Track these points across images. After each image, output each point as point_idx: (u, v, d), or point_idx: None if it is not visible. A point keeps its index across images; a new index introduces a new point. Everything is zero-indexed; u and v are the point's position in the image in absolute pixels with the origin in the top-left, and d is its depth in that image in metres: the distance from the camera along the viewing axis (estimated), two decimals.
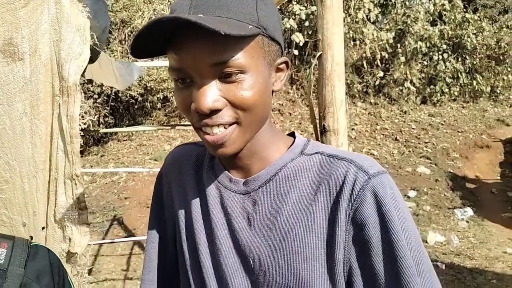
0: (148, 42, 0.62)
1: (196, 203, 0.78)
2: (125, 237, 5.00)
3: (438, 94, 9.23)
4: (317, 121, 1.14)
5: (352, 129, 7.96)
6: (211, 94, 0.62)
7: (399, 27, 9.08)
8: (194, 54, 0.60)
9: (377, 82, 9.11)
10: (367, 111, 8.97)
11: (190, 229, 0.79)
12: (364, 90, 9.25)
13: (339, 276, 0.65)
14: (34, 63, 1.03)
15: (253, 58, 0.63)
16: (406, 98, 9.15)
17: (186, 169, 0.84)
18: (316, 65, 1.26)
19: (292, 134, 0.78)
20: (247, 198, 0.72)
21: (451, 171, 7.48)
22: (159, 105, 8.82)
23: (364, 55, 8.95)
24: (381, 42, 8.60)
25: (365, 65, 9.03)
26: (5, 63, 0.97)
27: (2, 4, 1.03)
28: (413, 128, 8.53)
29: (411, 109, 9.05)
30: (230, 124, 0.65)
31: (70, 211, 1.08)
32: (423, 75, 9.30)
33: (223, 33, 0.55)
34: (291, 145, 0.74)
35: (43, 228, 0.96)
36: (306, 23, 8.04)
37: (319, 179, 0.68)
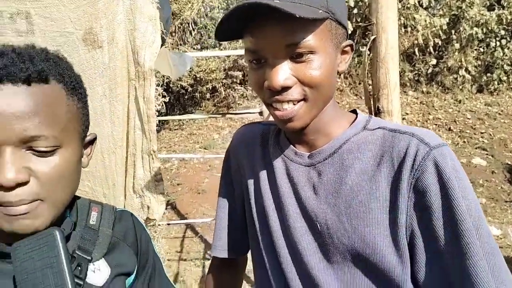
0: (229, 26, 0.70)
1: (263, 175, 0.86)
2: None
3: (496, 82, 8.77)
4: (371, 103, 1.18)
5: (403, 118, 7.79)
6: (283, 72, 0.69)
7: (453, 12, 8.69)
8: (269, 36, 0.68)
9: (429, 70, 8.80)
10: (419, 100, 8.71)
11: (259, 199, 0.87)
12: (416, 78, 8.98)
13: (401, 238, 0.70)
14: (111, 50, 1.16)
15: (321, 40, 0.69)
16: (460, 87, 8.77)
17: (252, 146, 0.92)
18: (369, 50, 1.30)
19: (353, 112, 0.84)
20: (312, 170, 0.79)
21: (509, 162, 7.13)
22: (208, 95, 9.06)
23: (416, 42, 8.67)
24: (434, 29, 8.29)
25: (417, 53, 8.75)
26: (86, 50, 1.10)
27: None
28: (468, 118, 8.19)
29: (466, 98, 8.67)
30: (299, 101, 0.72)
31: (148, 183, 1.22)
32: (479, 62, 8.86)
33: (298, 16, 0.61)
34: (353, 122, 0.80)
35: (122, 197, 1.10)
36: (355, 11, 7.90)
37: (382, 151, 0.74)
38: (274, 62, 0.70)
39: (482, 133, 7.81)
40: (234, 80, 8.77)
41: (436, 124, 8.03)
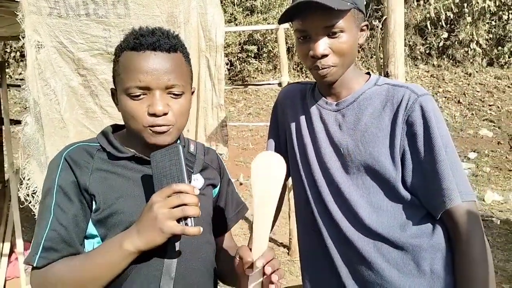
0: (287, 14, 1.08)
1: (303, 119, 1.25)
2: None
3: (506, 56, 8.79)
4: (382, 68, 1.56)
5: None
6: (322, 45, 1.06)
7: None
8: (314, 21, 1.05)
9: (441, 44, 8.89)
10: (429, 73, 8.87)
11: (299, 135, 1.25)
12: (427, 51, 9.09)
13: (396, 155, 1.08)
14: (187, 29, 1.54)
15: (348, 23, 1.07)
16: (471, 60, 8.85)
17: (294, 99, 1.30)
18: (381, 27, 1.65)
19: (368, 73, 1.22)
20: (338, 113, 1.17)
21: None
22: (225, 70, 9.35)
23: (428, 15, 8.76)
24: (446, 2, 8.36)
25: (428, 26, 8.83)
26: (171, 30, 1.47)
27: None
28: (477, 91, 8.36)
29: (476, 71, 8.79)
30: (333, 66, 1.09)
31: (216, 128, 1.63)
32: (490, 36, 8.90)
33: (336, 8, 0.99)
34: (368, 80, 1.18)
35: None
36: None
37: (386, 99, 1.11)
38: (316, 38, 1.05)
39: (490, 105, 7.99)
40: (249, 54, 8.97)
41: (445, 97, 8.23)
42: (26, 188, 1.56)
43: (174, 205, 0.85)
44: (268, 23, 8.10)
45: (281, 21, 1.12)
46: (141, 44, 0.94)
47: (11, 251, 3.69)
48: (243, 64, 9.01)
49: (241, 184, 5.28)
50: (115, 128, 1.10)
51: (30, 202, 1.59)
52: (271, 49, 8.99)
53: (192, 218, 0.86)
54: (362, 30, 1.13)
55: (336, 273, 1.16)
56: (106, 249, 0.90)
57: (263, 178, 0.96)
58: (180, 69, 0.99)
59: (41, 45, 1.58)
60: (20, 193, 1.57)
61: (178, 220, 0.85)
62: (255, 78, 9.06)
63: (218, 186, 1.18)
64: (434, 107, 1.07)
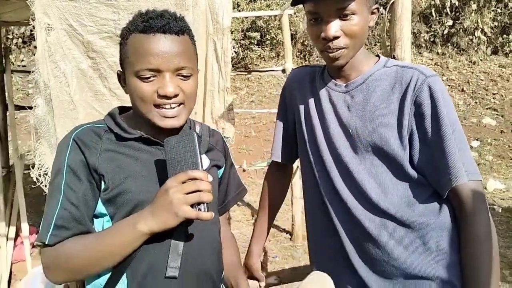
0: None
1: (311, 101, 1.26)
2: None
3: (511, 44, 8.78)
4: (389, 51, 1.57)
5: None
6: (334, 27, 1.07)
7: None
8: (327, 3, 1.06)
9: (445, 31, 8.83)
10: (433, 61, 8.84)
11: (308, 117, 1.27)
12: (431, 39, 9.05)
13: (404, 135, 1.10)
14: (195, 12, 1.55)
15: (360, 5, 1.07)
16: (476, 48, 8.80)
17: (303, 82, 1.32)
18: (388, 11, 1.66)
19: (377, 56, 1.23)
20: (347, 95, 1.18)
21: None
22: None
23: (432, 2, 8.69)
24: None
25: (433, 14, 8.77)
26: (177, 12, 1.48)
27: None
28: (481, 79, 8.34)
29: (481, 60, 8.74)
30: (343, 47, 1.10)
31: (223, 111, 1.65)
32: (495, 23, 8.84)
33: None
34: (377, 62, 1.19)
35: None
36: None
37: (395, 80, 1.13)
38: (328, 20, 1.06)
39: (494, 94, 7.98)
40: (252, 41, 8.94)
41: (449, 85, 8.20)
42: (38, 169, 1.59)
43: (189, 190, 0.89)
44: (271, 10, 8.04)
45: (294, 3, 1.13)
46: (151, 27, 0.96)
47: (17, 235, 3.75)
48: (245, 51, 8.98)
49: (244, 170, 5.32)
50: (121, 110, 1.12)
51: (42, 182, 1.62)
52: (274, 36, 8.94)
53: (205, 204, 0.90)
54: (372, 13, 1.14)
55: (343, 251, 1.19)
56: (119, 229, 0.94)
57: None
58: (188, 51, 1.01)
59: (51, 27, 1.60)
60: (32, 173, 1.61)
61: (192, 205, 0.89)
62: (258, 65, 9.03)
63: (223, 168, 1.21)
64: (442, 88, 1.08)
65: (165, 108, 0.98)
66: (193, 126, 1.17)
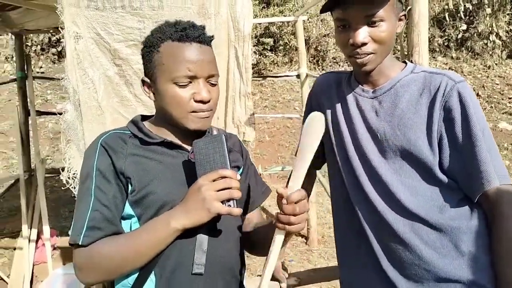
0: (329, 4, 1.13)
1: (339, 106, 1.29)
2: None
3: None
4: (406, 57, 1.60)
5: None
6: (363, 33, 1.10)
7: None
8: (355, 10, 1.09)
9: (459, 36, 8.75)
10: (448, 65, 8.78)
11: (335, 122, 1.29)
12: (445, 44, 8.99)
13: (434, 140, 1.12)
14: (217, 21, 1.61)
15: (388, 12, 1.10)
16: (490, 52, 8.70)
17: (329, 88, 1.35)
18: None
19: (403, 62, 1.25)
20: (375, 100, 1.21)
21: None
22: None
23: (446, 7, 8.65)
24: None
25: (447, 18, 8.72)
26: (199, 21, 1.52)
27: None
28: (496, 84, 8.25)
29: (496, 64, 8.65)
30: (371, 53, 1.12)
31: (244, 116, 1.70)
32: (511, 27, 8.76)
33: None
34: (404, 68, 1.21)
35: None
36: None
37: (423, 86, 1.15)
38: (357, 27, 1.09)
39: (510, 98, 7.88)
40: (265, 47, 8.99)
41: None
42: (68, 171, 1.66)
43: (221, 188, 0.94)
44: (285, 16, 8.10)
45: (323, 10, 1.16)
46: (188, 37, 1.03)
47: (38, 237, 3.84)
48: (259, 57, 9.03)
49: (260, 174, 5.36)
50: (142, 118, 1.17)
51: (71, 185, 1.69)
52: (287, 41, 8.99)
53: (234, 200, 0.95)
54: (400, 19, 1.17)
55: (372, 254, 1.20)
56: (153, 227, 0.98)
57: (307, 132, 1.13)
58: (214, 60, 1.09)
59: (80, 36, 1.67)
60: (62, 176, 1.67)
61: (222, 202, 0.95)
62: (271, 70, 9.08)
63: (242, 168, 1.25)
64: (470, 93, 1.10)
65: (201, 112, 1.05)
66: (211, 130, 1.22)
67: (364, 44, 1.11)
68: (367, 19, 1.09)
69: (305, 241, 4.53)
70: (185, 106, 1.04)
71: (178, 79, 1.02)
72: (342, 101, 1.28)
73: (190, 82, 1.03)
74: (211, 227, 1.05)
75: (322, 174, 4.76)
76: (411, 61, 1.58)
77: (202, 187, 0.94)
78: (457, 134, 1.09)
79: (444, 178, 1.12)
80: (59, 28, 1.69)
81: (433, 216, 1.11)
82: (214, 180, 0.95)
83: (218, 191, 0.94)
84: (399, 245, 1.14)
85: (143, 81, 1.11)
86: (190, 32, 1.03)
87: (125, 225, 1.04)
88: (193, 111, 1.04)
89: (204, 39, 1.04)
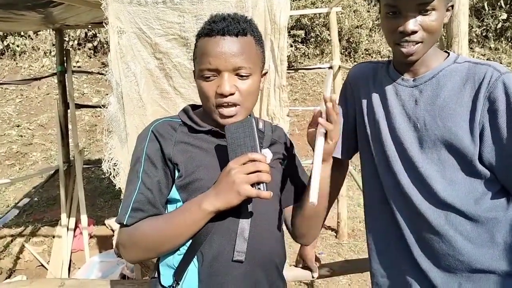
0: None
1: (376, 96, 1.29)
2: None
3: None
4: (445, 48, 1.57)
5: None
6: (414, 21, 1.10)
7: None
8: None
9: (499, 25, 8.42)
10: (486, 56, 8.47)
11: (371, 111, 1.29)
12: (484, 34, 8.69)
13: (475, 130, 1.11)
14: (255, 14, 1.64)
15: (440, 1, 1.09)
16: None
17: (367, 77, 1.34)
18: None
19: (446, 52, 1.24)
20: (415, 89, 1.20)
21: None
22: None
23: None
24: None
25: (486, 7, 8.41)
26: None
27: None
28: None
29: None
30: (418, 43, 1.12)
31: (278, 108, 1.73)
32: None
33: None
34: (447, 57, 1.20)
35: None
36: None
37: (467, 76, 1.14)
38: (408, 15, 1.08)
39: None
40: (296, 39, 8.94)
41: None
42: (109, 161, 1.74)
43: (250, 171, 0.96)
44: (317, 7, 8.02)
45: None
46: (213, 30, 1.04)
47: (76, 226, 4.01)
48: (289, 49, 8.98)
49: None
50: (193, 107, 1.21)
51: (111, 174, 1.77)
52: (319, 33, 8.90)
53: (265, 184, 0.97)
54: (447, 10, 1.16)
55: (406, 245, 1.21)
56: (186, 209, 1.02)
57: None
58: (248, 51, 1.06)
59: (123, 31, 1.74)
60: (103, 165, 1.76)
61: (252, 185, 0.97)
62: (301, 63, 9.02)
63: (286, 160, 1.27)
64: None
65: (223, 106, 1.06)
66: (257, 122, 1.22)
67: (414, 32, 1.10)
68: (419, 7, 1.08)
69: (335, 234, 4.53)
70: (210, 99, 1.06)
71: (202, 73, 1.05)
72: (380, 90, 1.28)
73: (215, 76, 1.05)
74: (254, 216, 1.07)
75: (353, 167, 4.73)
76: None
77: (232, 170, 0.97)
78: (500, 125, 1.08)
79: (483, 169, 1.12)
80: (103, 24, 1.77)
81: (469, 207, 1.11)
82: (244, 164, 0.97)
83: (247, 174, 0.96)
84: (433, 235, 1.15)
85: (194, 72, 1.15)
86: (214, 26, 1.04)
87: (171, 208, 1.09)
88: (217, 105, 1.06)
89: (229, 31, 1.03)
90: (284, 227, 1.23)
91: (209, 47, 1.03)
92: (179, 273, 1.05)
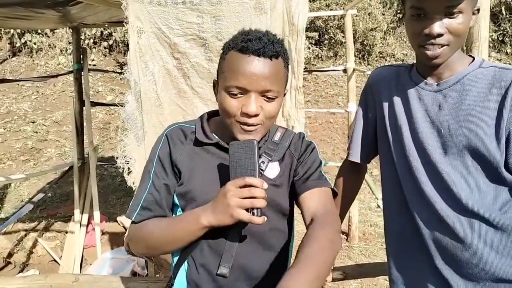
0: None
1: (398, 100, 1.27)
2: None
3: None
4: (465, 52, 1.56)
5: None
6: (440, 24, 1.08)
7: None
8: (437, 0, 1.06)
9: None
10: (502, 61, 8.38)
11: (393, 115, 1.27)
12: (500, 39, 8.57)
13: (502, 136, 1.08)
14: (273, 15, 1.64)
15: (467, 5, 1.07)
16: None
17: (389, 81, 1.32)
18: None
19: (471, 56, 1.22)
20: (439, 94, 1.18)
21: None
22: None
23: (503, 0, 8.23)
24: None
25: (503, 11, 8.31)
26: (256, 16, 1.57)
27: None
28: None
29: None
30: (443, 46, 1.10)
31: (294, 109, 1.73)
32: None
33: None
34: (472, 62, 1.18)
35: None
36: None
37: (493, 82, 1.11)
38: (434, 17, 1.06)
39: None
40: (310, 41, 8.93)
41: None
42: (123, 157, 1.77)
43: (245, 196, 0.96)
44: (331, 9, 7.99)
45: None
46: (248, 49, 1.01)
47: (88, 222, 4.05)
48: (305, 51, 8.93)
49: None
50: (214, 112, 1.21)
51: (125, 170, 1.80)
52: (333, 35, 8.88)
53: (259, 209, 0.98)
54: (473, 13, 1.14)
55: (427, 253, 1.19)
56: (186, 218, 1.06)
57: None
58: (278, 75, 1.05)
59: (142, 31, 1.76)
60: (118, 161, 1.79)
61: (247, 209, 0.97)
62: (315, 65, 9.00)
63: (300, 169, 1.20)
64: None
65: (246, 124, 1.05)
66: (274, 133, 1.22)
67: (440, 35, 1.08)
68: (446, 10, 1.06)
69: (345, 237, 4.51)
70: (233, 115, 1.05)
71: (230, 89, 1.04)
72: (402, 94, 1.26)
73: (242, 94, 1.03)
74: (240, 231, 1.08)
75: None
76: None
77: (228, 192, 0.97)
78: None
79: (508, 176, 1.09)
80: (123, 23, 1.79)
81: (495, 216, 1.09)
82: (241, 187, 0.97)
83: (243, 198, 0.96)
84: (456, 243, 1.13)
85: (214, 82, 1.15)
86: (250, 45, 1.01)
87: (174, 212, 1.15)
88: (241, 123, 1.06)
89: (265, 53, 1.02)
90: (286, 233, 1.18)
91: (242, 65, 1.01)
92: (175, 270, 1.13)
